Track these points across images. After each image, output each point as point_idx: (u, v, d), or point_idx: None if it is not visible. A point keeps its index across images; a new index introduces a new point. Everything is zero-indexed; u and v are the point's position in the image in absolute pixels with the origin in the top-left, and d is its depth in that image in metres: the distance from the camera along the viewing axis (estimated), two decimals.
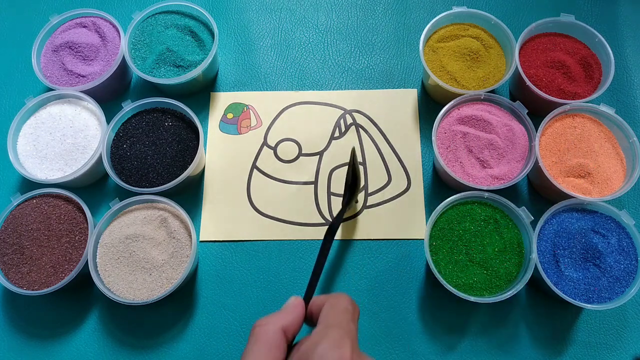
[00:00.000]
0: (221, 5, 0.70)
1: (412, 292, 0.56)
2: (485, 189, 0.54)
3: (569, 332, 0.54)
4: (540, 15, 0.62)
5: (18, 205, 0.55)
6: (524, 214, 0.52)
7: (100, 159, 0.57)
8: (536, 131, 0.56)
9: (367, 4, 0.69)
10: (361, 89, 0.65)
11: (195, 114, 0.58)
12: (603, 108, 0.57)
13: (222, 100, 0.65)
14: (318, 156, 0.62)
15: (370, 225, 0.58)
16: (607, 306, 0.50)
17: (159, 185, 0.55)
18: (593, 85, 0.59)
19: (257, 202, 0.60)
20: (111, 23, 0.63)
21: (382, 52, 0.67)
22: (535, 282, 0.54)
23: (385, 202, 0.59)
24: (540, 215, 0.53)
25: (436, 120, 0.57)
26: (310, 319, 0.39)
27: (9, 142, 0.57)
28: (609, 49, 0.59)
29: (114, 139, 0.59)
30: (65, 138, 0.58)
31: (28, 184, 0.60)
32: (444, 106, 0.57)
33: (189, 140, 0.58)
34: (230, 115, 0.64)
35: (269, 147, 0.62)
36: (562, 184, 0.54)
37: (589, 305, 0.49)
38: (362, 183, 0.60)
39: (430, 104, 0.64)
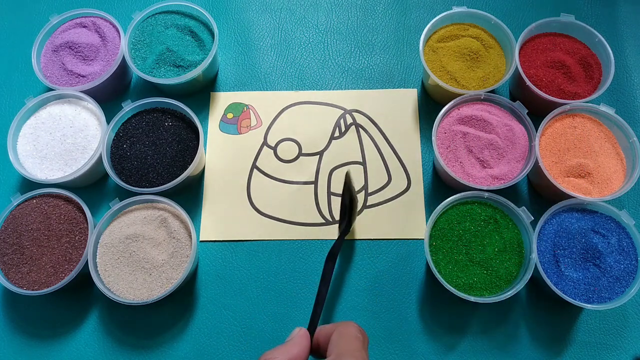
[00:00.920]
0: (221, 5, 0.70)
1: (412, 292, 0.56)
2: (485, 189, 0.54)
3: (569, 332, 0.54)
4: (540, 15, 0.62)
5: (18, 205, 0.55)
6: (524, 214, 0.52)
7: (100, 159, 0.57)
8: (536, 131, 0.56)
9: (367, 4, 0.69)
10: (361, 89, 0.65)
11: (195, 114, 0.58)
12: (603, 108, 0.56)
13: (222, 100, 0.65)
14: (318, 156, 0.62)
15: (370, 225, 0.58)
16: (607, 306, 0.49)
17: (159, 185, 0.55)
18: (593, 85, 0.59)
19: (257, 202, 0.60)
20: (111, 23, 0.63)
21: (382, 52, 0.67)
22: (535, 282, 0.54)
23: (385, 202, 0.59)
24: (540, 215, 0.53)
25: (436, 120, 0.57)
26: (317, 350, 0.38)
27: (9, 142, 0.57)
28: (609, 49, 0.59)
29: (114, 139, 0.59)
30: (65, 138, 0.58)
31: (28, 184, 0.60)
32: (444, 106, 0.57)
33: (189, 140, 0.58)
34: (230, 115, 0.64)
35: (269, 147, 0.62)
36: (562, 184, 0.54)
37: (589, 305, 0.49)
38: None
39: (430, 104, 0.64)
